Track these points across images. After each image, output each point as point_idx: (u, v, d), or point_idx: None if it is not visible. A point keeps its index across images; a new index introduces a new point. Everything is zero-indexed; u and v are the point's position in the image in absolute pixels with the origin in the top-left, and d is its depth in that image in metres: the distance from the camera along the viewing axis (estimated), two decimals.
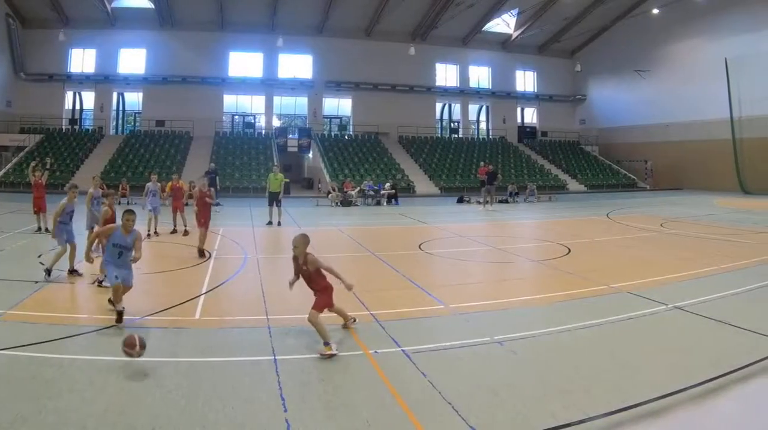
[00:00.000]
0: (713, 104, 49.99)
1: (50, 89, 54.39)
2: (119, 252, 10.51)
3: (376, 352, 8.90)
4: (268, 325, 10.26)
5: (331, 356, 8.57)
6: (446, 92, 65.87)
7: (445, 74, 65.97)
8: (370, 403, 7.11)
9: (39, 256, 16.37)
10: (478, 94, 67.40)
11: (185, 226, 22.31)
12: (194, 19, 54.84)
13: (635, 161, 61.97)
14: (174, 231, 22.41)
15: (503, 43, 65.39)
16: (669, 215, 30.63)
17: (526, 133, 69.68)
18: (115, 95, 58.47)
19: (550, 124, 70.11)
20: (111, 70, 55.72)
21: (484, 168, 41.55)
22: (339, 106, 63.89)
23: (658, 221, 27.26)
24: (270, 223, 25.85)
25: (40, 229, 21.17)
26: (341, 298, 9.96)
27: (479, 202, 38.24)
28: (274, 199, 26.48)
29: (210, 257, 17.10)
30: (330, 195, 38.54)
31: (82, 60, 55.63)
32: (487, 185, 37.44)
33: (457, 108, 68.36)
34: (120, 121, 59.85)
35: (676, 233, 23.52)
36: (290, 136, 57.16)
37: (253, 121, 60.60)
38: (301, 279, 9.72)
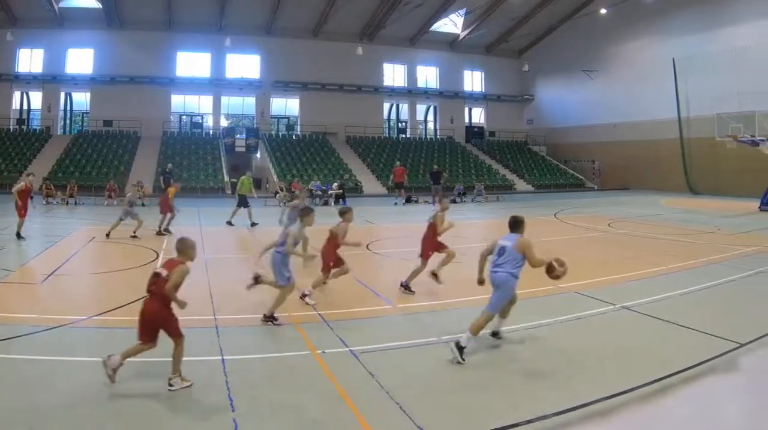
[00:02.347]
0: (661, 104, 50.44)
1: None
2: None
3: (323, 352, 8.94)
4: (215, 325, 10.25)
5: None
6: (394, 92, 65.86)
7: (393, 74, 66.02)
8: (317, 403, 7.16)
9: None
10: (425, 94, 67.57)
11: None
12: (142, 19, 54.05)
13: (583, 161, 62.59)
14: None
15: (451, 43, 65.55)
16: (616, 215, 30.95)
17: (474, 133, 69.81)
18: (62, 95, 57.45)
19: (498, 124, 70.40)
20: (59, 70, 54.69)
21: (401, 169, 41.67)
22: (287, 106, 63.56)
23: (605, 221, 27.53)
24: (230, 223, 25.74)
25: None
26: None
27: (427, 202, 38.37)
28: (244, 201, 26.85)
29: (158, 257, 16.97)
30: (278, 195, 38.27)
31: (29, 60, 54.47)
32: (434, 185, 37.51)
33: (404, 108, 68.42)
34: (68, 121, 58.84)
35: (624, 233, 23.77)
36: (238, 136, 56.62)
37: (200, 121, 60.04)
38: None
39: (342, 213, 12.73)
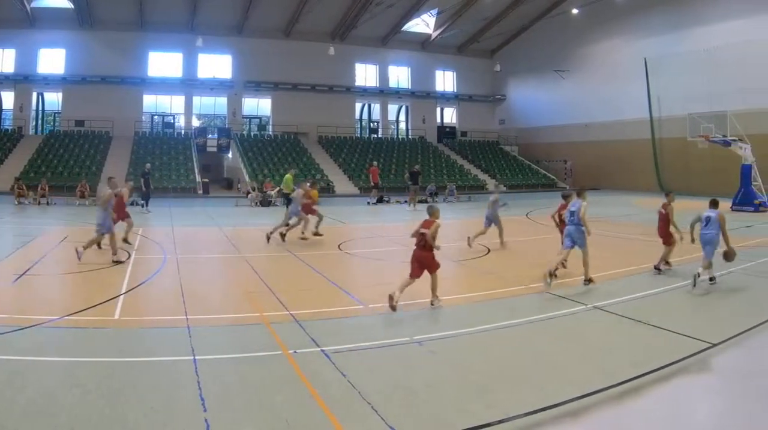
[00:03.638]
0: (633, 104, 50.86)
1: None
2: None
3: (295, 352, 8.93)
4: (187, 325, 10.22)
5: None
6: (366, 92, 66.01)
7: (365, 74, 66.08)
8: (289, 403, 7.16)
9: None
10: (397, 94, 67.69)
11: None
12: (114, 19, 53.75)
13: (555, 161, 62.80)
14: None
15: (423, 43, 65.71)
16: (588, 214, 30.95)
17: (446, 133, 70.05)
18: (34, 95, 56.95)
19: (470, 124, 70.60)
20: (30, 69, 54.20)
21: (375, 169, 41.65)
22: (258, 106, 63.36)
23: None
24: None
25: None
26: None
27: (403, 202, 38.45)
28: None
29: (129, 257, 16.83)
30: (249, 195, 38.22)
31: (1, 60, 53.97)
32: (413, 185, 37.63)
33: (376, 108, 68.56)
34: (39, 122, 58.35)
35: (596, 233, 23.73)
36: (210, 136, 56.68)
37: (172, 121, 59.75)
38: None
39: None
